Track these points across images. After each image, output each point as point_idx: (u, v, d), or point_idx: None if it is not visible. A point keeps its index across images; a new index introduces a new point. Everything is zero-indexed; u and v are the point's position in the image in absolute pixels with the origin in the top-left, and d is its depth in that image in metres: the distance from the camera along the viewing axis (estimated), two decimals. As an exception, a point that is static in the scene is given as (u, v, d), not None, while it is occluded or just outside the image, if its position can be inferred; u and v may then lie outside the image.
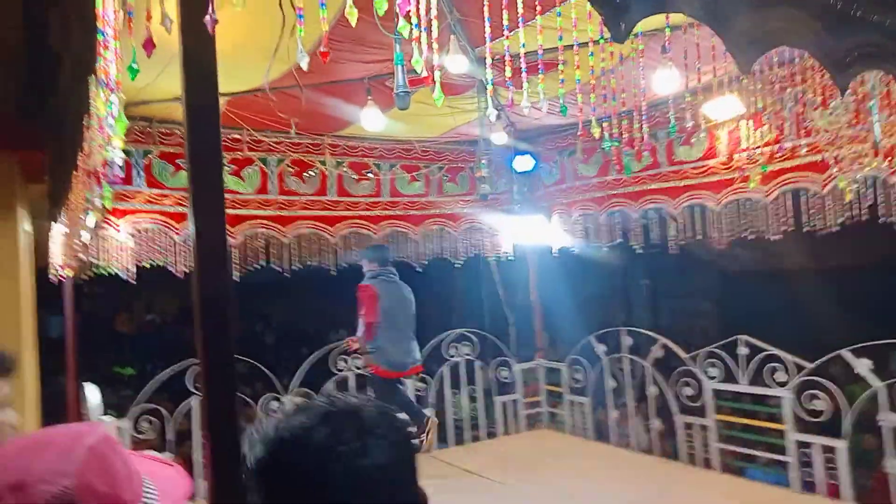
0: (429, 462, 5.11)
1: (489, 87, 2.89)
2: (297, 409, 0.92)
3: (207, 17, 0.91)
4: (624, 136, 3.59)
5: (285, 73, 3.63)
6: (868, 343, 3.82)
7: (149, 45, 1.05)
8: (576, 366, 5.82)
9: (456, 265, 6.03)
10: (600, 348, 5.60)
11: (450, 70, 3.04)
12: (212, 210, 0.92)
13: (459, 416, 5.74)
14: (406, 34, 1.18)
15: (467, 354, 5.76)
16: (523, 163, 5.86)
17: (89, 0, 1.34)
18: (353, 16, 1.18)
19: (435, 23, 1.27)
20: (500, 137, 4.66)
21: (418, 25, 1.19)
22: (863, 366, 3.80)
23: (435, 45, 1.26)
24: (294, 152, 5.15)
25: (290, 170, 5.15)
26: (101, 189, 1.56)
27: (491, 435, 5.93)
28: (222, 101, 4.17)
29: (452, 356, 5.71)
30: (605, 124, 3.81)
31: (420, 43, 1.24)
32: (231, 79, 3.84)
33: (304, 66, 1.25)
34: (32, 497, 0.81)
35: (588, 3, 1.35)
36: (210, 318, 0.94)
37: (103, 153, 1.35)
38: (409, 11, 1.16)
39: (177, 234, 4.58)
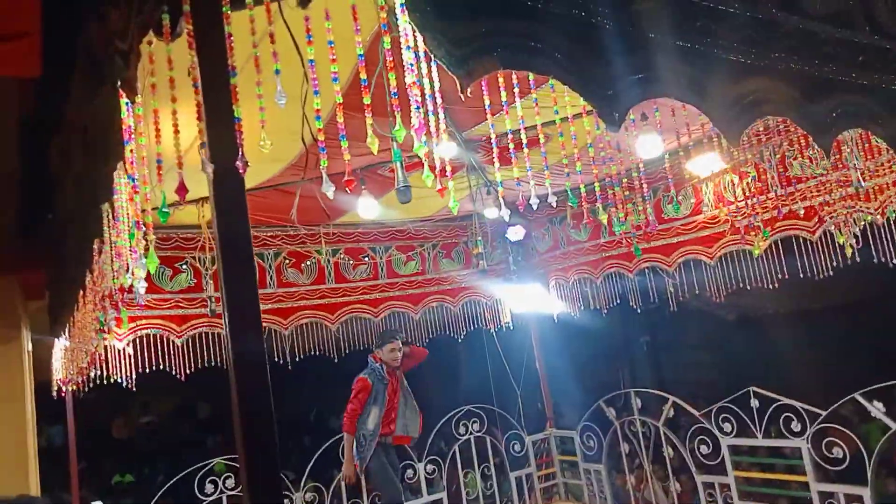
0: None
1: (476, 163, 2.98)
2: None
3: (238, 163, 0.96)
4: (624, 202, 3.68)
5: (283, 171, 3.73)
6: (880, 385, 3.80)
7: (182, 190, 1.09)
8: (587, 432, 5.73)
9: (458, 340, 6.01)
10: (610, 412, 5.53)
11: (440, 154, 3.13)
12: (249, 311, 0.95)
13: (473, 496, 5.59)
14: (401, 138, 1.24)
15: (477, 431, 5.66)
16: (516, 233, 5.94)
17: (100, 132, 1.40)
18: (374, 145, 1.24)
19: (443, 127, 1.34)
20: (491, 212, 4.75)
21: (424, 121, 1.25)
22: (877, 409, 3.78)
23: (436, 138, 1.32)
24: (290, 244, 5.21)
25: (288, 261, 5.20)
26: (119, 312, 1.58)
27: (508, 512, 5.76)
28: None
29: (462, 434, 5.61)
30: (597, 191, 3.93)
31: (420, 133, 1.29)
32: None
33: (331, 195, 1.30)
34: None
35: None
36: (252, 421, 0.95)
37: (121, 280, 1.37)
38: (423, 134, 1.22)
39: (178, 336, 4.56)
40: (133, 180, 1.13)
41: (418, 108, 1.31)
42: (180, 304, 4.60)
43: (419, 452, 5.48)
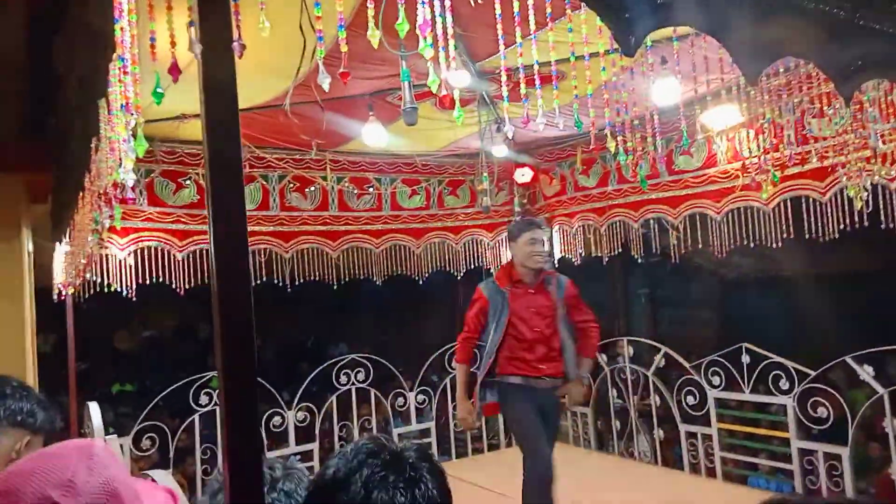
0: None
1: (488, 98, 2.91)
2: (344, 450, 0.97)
3: (235, 44, 0.92)
4: (634, 147, 3.62)
5: (290, 91, 3.64)
6: (871, 350, 3.82)
7: (174, 70, 1.06)
8: (578, 376, 5.80)
9: (457, 277, 6.03)
10: (601, 358, 5.60)
11: (453, 85, 3.06)
12: (233, 221, 0.93)
13: (460, 428, 5.71)
14: (427, 55, 1.19)
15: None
16: (524, 175, 5.89)
17: (100, 25, 1.36)
18: (374, 38, 1.19)
19: (452, 42, 1.28)
20: (500, 150, 4.69)
21: (434, 45, 1.21)
22: (866, 372, 3.81)
23: (451, 63, 1.27)
24: (296, 168, 5.17)
25: (292, 185, 5.17)
26: (112, 210, 1.56)
27: (492, 447, 5.91)
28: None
29: (454, 369, 5.68)
30: (609, 135, 3.84)
31: (437, 62, 1.25)
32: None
33: (326, 87, 1.26)
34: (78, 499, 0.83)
35: (596, 18, 1.37)
36: (230, 331, 0.95)
37: (114, 175, 1.35)
38: (428, 31, 1.18)
39: (179, 251, 4.58)
40: (123, 61, 1.10)
41: (429, 28, 1.25)
42: (182, 219, 4.60)
43: (411, 382, 5.58)
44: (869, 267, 6.65)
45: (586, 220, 5.68)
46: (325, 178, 5.24)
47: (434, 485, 0.90)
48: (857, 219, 3.88)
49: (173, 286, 4.60)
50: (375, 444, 0.96)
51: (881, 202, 3.76)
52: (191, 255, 4.62)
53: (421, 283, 5.84)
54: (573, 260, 5.96)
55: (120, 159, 1.20)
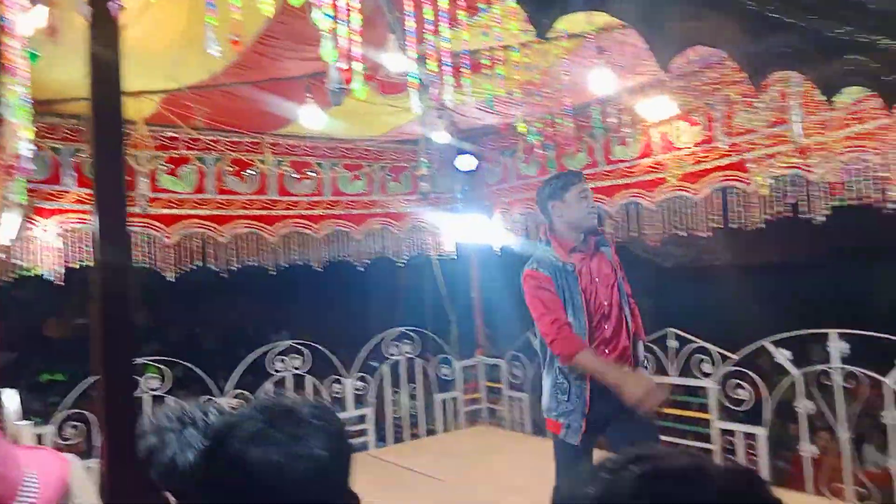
0: (368, 461, 5.09)
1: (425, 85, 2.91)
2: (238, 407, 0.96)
3: (112, 3, 0.90)
4: (552, 133, 3.68)
5: (224, 70, 3.57)
6: (790, 334, 4.01)
7: (52, 30, 1.02)
8: (515, 362, 5.90)
9: (399, 264, 6.03)
10: (537, 343, 5.68)
11: (389, 68, 3.05)
12: (114, 209, 0.91)
13: (399, 415, 5.74)
14: (323, 27, 1.19)
15: (408, 352, 5.76)
16: (466, 162, 5.90)
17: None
18: (266, 5, 1.18)
19: (356, 14, 1.28)
20: (441, 136, 4.69)
21: (334, 17, 1.20)
22: (783, 356, 3.99)
23: (357, 38, 1.27)
24: (233, 151, 5.06)
25: (229, 169, 5.06)
26: (12, 179, 1.50)
27: (430, 433, 5.96)
28: (157, 98, 4.10)
29: (393, 354, 5.71)
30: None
31: (335, 34, 1.24)
32: (165, 76, 3.75)
33: (216, 54, 1.24)
34: None
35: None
36: (110, 316, 0.93)
37: (14, 145, 1.30)
38: (327, 3, 1.17)
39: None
40: (3, 20, 1.05)
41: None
42: (111, 200, 4.45)
43: (350, 368, 5.56)
44: (789, 254, 6.96)
45: (527, 207, 5.75)
46: (264, 162, 5.14)
47: (321, 444, 0.89)
48: (780, 209, 4.06)
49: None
50: (271, 400, 0.95)
51: (802, 193, 3.94)
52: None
53: (362, 269, 5.81)
54: (514, 248, 6.03)
55: (15, 128, 1.15)
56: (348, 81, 3.56)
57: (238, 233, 5.08)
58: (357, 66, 1.61)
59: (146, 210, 4.34)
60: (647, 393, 2.66)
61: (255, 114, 4.44)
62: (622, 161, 4.94)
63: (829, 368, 3.84)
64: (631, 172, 4.88)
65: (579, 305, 2.88)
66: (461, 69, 3.11)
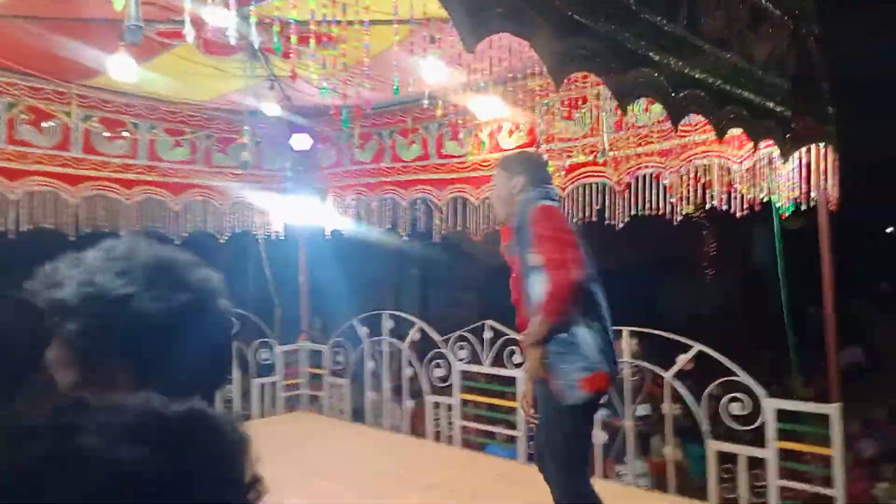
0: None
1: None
2: None
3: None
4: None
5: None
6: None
7: None
8: (337, 348, 5.85)
9: (220, 241, 5.71)
10: (363, 331, 5.69)
11: (209, 22, 2.86)
12: None
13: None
14: None
15: (226, 334, 5.48)
16: (301, 141, 5.74)
17: None
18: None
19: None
20: (271, 108, 4.51)
21: None
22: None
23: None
24: (31, 98, 4.50)
25: (25, 117, 4.49)
26: None
27: (246, 418, 5.73)
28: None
29: (209, 336, 5.40)
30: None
31: None
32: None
33: None
34: None
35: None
36: None
37: None
38: None
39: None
40: None
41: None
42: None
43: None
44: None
45: (360, 193, 5.71)
46: (68, 114, 4.63)
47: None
48: (587, 216, 4.38)
49: None
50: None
51: (607, 200, 4.27)
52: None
53: (178, 242, 5.43)
54: (344, 233, 5.97)
55: None
56: (168, 36, 3.29)
57: (32, 190, 4.54)
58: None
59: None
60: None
61: (60, 59, 3.97)
62: (453, 156, 5.07)
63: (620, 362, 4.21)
64: (459, 168, 5.02)
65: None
66: (290, 37, 3.01)
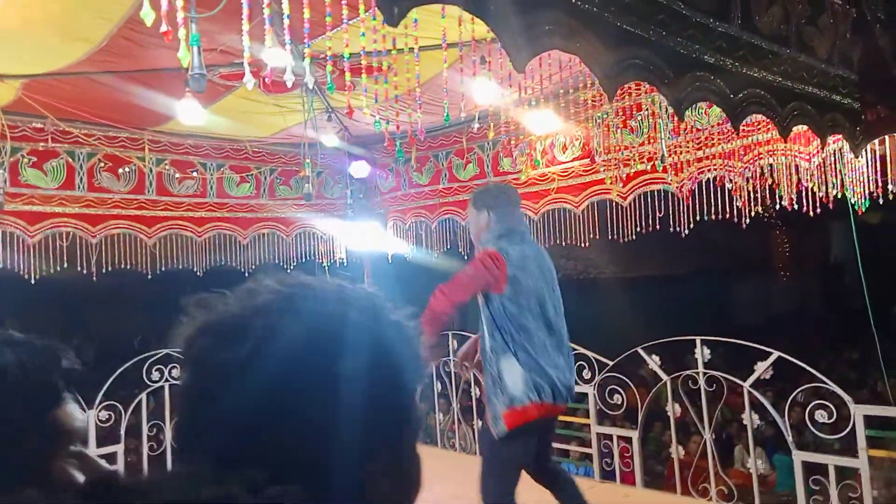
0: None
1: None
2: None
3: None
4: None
5: (89, 56, 3.36)
6: (657, 341, 4.22)
7: None
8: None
9: (287, 270, 5.88)
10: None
11: (268, 63, 2.97)
12: None
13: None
14: (148, 21, 1.14)
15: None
16: (359, 169, 5.87)
17: None
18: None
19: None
20: (330, 140, 4.64)
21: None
22: (654, 362, 4.20)
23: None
24: (108, 146, 4.78)
25: (103, 165, 4.77)
26: None
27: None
28: (16, 84, 3.80)
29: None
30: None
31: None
32: (26, 60, 3.49)
33: None
34: None
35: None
36: None
37: None
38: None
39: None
40: None
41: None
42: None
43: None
44: (659, 266, 7.39)
45: (419, 216, 5.78)
46: (142, 159, 4.89)
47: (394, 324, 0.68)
48: (651, 223, 4.30)
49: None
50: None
51: (671, 208, 4.19)
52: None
53: (248, 275, 5.62)
54: (406, 255, 6.05)
55: None
56: (229, 79, 3.44)
57: (111, 234, 4.79)
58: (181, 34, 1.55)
59: (1, 206, 4.00)
60: None
61: (133, 108, 4.22)
62: (509, 173, 5.08)
63: (695, 373, 4.07)
64: (516, 184, 5.01)
65: None
66: (344, 71, 3.09)
